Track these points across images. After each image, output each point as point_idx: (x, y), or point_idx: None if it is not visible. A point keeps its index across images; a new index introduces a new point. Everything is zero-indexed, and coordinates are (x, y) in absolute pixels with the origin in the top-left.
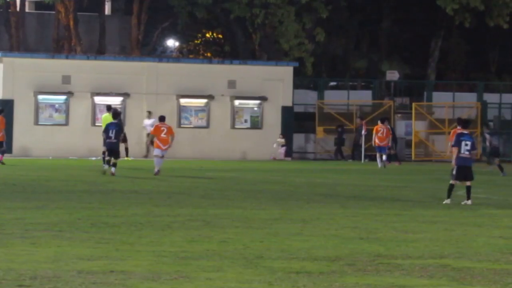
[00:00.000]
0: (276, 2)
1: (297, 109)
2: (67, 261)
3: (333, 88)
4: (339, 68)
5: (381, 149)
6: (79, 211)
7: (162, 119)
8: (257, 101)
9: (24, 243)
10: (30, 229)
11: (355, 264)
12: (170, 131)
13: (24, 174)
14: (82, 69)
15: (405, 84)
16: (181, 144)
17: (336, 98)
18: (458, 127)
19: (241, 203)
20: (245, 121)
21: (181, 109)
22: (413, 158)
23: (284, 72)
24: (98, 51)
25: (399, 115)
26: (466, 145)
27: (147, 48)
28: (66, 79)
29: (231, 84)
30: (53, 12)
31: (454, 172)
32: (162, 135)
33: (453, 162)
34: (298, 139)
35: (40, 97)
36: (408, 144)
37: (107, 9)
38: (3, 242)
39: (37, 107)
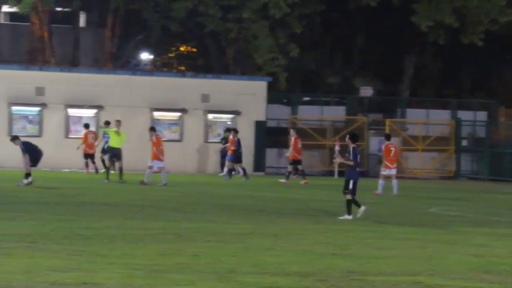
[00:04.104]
0: (250, 17)
1: (270, 124)
2: (40, 273)
3: (306, 103)
4: (313, 84)
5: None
6: (52, 223)
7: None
8: (231, 115)
9: None
10: (2, 240)
11: (327, 279)
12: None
13: None
14: (56, 81)
15: (379, 100)
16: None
17: (310, 114)
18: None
19: (214, 217)
20: (218, 135)
21: (154, 122)
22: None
23: (258, 87)
24: (72, 63)
25: (372, 131)
26: (359, 159)
27: (120, 61)
28: (40, 91)
29: (205, 98)
30: (27, 23)
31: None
32: (161, 146)
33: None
34: (271, 154)
35: (14, 108)
36: (381, 160)
37: (81, 22)
38: None
39: (10, 118)
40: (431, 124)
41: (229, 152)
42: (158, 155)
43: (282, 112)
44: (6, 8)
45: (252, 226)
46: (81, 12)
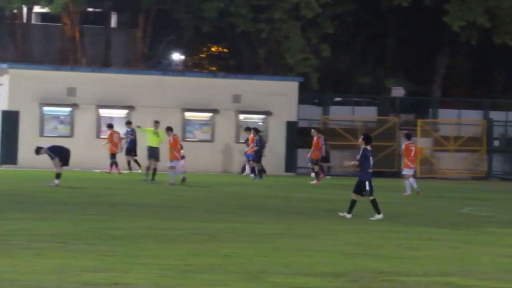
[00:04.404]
0: (282, 17)
1: (301, 124)
2: (71, 273)
3: (338, 103)
4: (344, 84)
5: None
6: (84, 223)
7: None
8: (262, 116)
9: (29, 254)
10: (34, 240)
11: (359, 280)
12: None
13: (29, 185)
14: (87, 81)
15: (410, 101)
16: (186, 158)
17: (341, 114)
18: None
19: (245, 218)
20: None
21: (185, 122)
22: (417, 175)
23: (289, 87)
24: (103, 63)
25: (404, 131)
26: (372, 160)
27: (152, 61)
28: (71, 91)
29: (236, 98)
30: (59, 24)
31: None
32: (178, 146)
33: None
34: (302, 154)
35: (45, 108)
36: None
37: (113, 22)
38: (7, 253)
39: (42, 119)
40: (463, 125)
41: (249, 152)
42: (176, 155)
43: (313, 112)
44: (37, 9)
45: (284, 227)
46: (112, 13)
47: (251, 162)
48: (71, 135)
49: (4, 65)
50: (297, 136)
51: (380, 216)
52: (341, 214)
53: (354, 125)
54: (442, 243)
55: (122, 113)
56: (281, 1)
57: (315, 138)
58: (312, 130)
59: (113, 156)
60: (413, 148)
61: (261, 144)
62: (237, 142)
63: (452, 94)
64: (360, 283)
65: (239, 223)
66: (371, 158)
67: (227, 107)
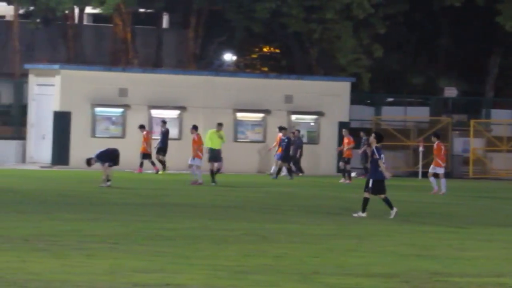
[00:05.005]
0: (334, 18)
1: (353, 124)
2: (123, 274)
3: (390, 104)
4: (396, 84)
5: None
6: (135, 224)
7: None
8: (314, 116)
9: (80, 255)
10: (86, 241)
11: (411, 281)
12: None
13: (80, 186)
14: (139, 82)
15: (463, 101)
16: (237, 158)
17: (393, 114)
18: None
19: (297, 218)
20: (302, 136)
21: (237, 123)
22: (470, 175)
23: (341, 88)
24: (155, 64)
25: (456, 132)
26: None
27: (203, 61)
28: (123, 92)
29: (288, 98)
30: (110, 25)
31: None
32: (202, 145)
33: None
34: (355, 155)
35: (97, 109)
36: (465, 161)
37: (165, 23)
38: (59, 253)
39: (94, 120)
40: None
41: (279, 151)
42: (199, 154)
43: (365, 113)
44: (89, 10)
45: (336, 227)
46: (164, 13)
47: (279, 162)
48: (122, 136)
49: (56, 66)
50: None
51: (393, 211)
52: (390, 217)
53: (406, 125)
54: (495, 243)
55: (174, 113)
56: (333, 1)
57: (346, 138)
58: (344, 130)
59: (148, 156)
60: (443, 147)
61: (288, 144)
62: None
63: (505, 94)
64: (412, 284)
65: (291, 224)
66: (382, 156)
67: (279, 107)
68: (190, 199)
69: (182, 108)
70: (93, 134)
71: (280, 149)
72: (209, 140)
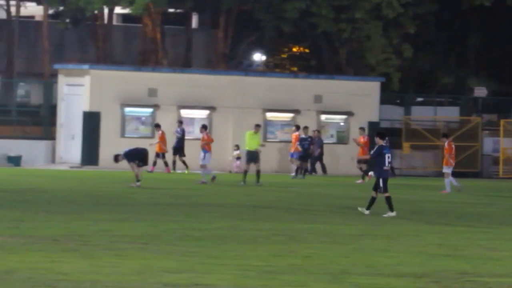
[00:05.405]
0: (363, 17)
1: (383, 124)
2: (152, 274)
3: (419, 104)
4: (426, 84)
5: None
6: (165, 224)
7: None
8: (344, 116)
9: (110, 255)
10: (115, 241)
11: (441, 281)
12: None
13: (110, 186)
14: (168, 82)
15: (493, 101)
16: (267, 158)
17: (423, 114)
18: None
19: (326, 218)
20: (331, 136)
21: (267, 123)
22: (500, 175)
23: (371, 87)
24: (184, 64)
25: (486, 132)
26: (388, 157)
27: (233, 61)
28: (153, 92)
29: (317, 98)
30: (140, 25)
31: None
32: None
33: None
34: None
35: (127, 109)
36: (495, 161)
37: (194, 23)
38: (88, 253)
39: (123, 120)
40: None
41: (296, 150)
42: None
43: (395, 112)
44: (118, 10)
45: (365, 227)
46: (193, 13)
47: (298, 162)
48: (152, 135)
49: (86, 66)
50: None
51: (393, 214)
52: (385, 215)
53: (436, 125)
54: None
55: (203, 113)
56: (363, 1)
57: (362, 137)
58: (360, 129)
59: (163, 155)
60: (453, 146)
61: (310, 144)
62: None
63: None
64: (442, 284)
65: (320, 224)
66: (386, 156)
67: (308, 107)
68: (219, 199)
69: (211, 108)
70: (122, 134)
71: (296, 148)
72: (248, 141)
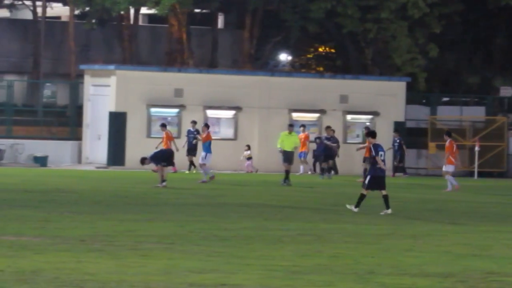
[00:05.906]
0: (389, 17)
1: (409, 124)
2: (178, 274)
3: (445, 103)
4: (452, 84)
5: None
6: (191, 224)
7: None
8: (369, 116)
9: (136, 255)
10: (141, 241)
11: (467, 281)
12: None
13: (135, 187)
14: (194, 82)
15: None
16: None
17: (449, 114)
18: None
19: (352, 218)
20: (357, 136)
21: (293, 123)
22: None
23: (397, 87)
24: (210, 64)
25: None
26: (381, 155)
27: (259, 62)
28: (179, 92)
29: (343, 98)
30: (166, 25)
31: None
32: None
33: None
34: (410, 154)
35: (153, 109)
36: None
37: (220, 23)
38: (115, 253)
39: (149, 120)
40: None
41: (302, 150)
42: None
43: (421, 112)
44: (144, 10)
45: (391, 227)
46: (219, 14)
47: (324, 162)
48: (178, 136)
49: (112, 67)
50: (405, 136)
51: (387, 211)
52: (382, 213)
53: (462, 125)
54: None
55: (229, 114)
56: (389, 1)
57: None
58: (364, 129)
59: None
60: (455, 145)
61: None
62: (345, 142)
63: None
64: (468, 283)
65: (346, 224)
66: (380, 153)
67: (334, 107)
68: (245, 199)
69: (237, 109)
70: (148, 135)
71: (305, 147)
72: (282, 142)
